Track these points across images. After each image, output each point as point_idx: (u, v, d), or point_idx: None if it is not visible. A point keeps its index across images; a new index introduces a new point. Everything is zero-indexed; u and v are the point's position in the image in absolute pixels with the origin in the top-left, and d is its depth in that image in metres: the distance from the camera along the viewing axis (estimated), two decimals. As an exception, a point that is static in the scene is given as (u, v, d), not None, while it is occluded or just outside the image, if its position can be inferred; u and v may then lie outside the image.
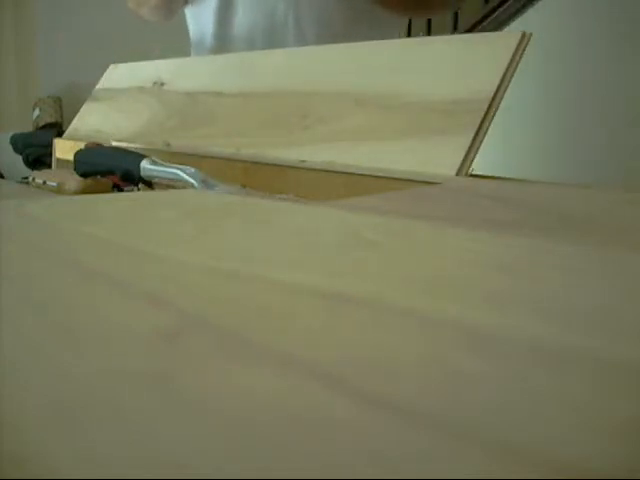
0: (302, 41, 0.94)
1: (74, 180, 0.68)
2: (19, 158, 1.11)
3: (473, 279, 0.20)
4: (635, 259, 0.24)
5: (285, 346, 0.15)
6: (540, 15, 1.49)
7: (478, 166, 0.55)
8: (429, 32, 2.05)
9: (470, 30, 1.76)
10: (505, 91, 0.56)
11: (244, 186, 0.67)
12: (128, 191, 0.66)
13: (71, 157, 0.72)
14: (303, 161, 0.65)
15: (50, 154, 1.05)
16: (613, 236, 0.32)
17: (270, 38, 0.91)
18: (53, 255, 0.24)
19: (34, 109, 3.19)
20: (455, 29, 1.90)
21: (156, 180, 0.64)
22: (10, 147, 1.16)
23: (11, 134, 1.19)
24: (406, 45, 0.69)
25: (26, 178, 0.79)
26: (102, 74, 1.16)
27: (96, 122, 1.06)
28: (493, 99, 0.56)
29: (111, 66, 1.15)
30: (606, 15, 1.28)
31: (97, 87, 1.15)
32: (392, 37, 0.88)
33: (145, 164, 0.63)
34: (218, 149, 0.77)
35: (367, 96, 0.66)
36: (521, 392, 0.12)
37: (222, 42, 0.99)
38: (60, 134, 1.10)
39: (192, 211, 0.34)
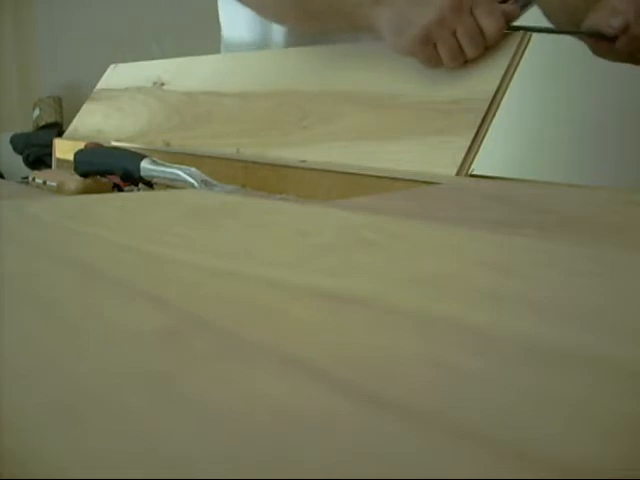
0: None
1: (74, 180, 0.68)
2: (19, 158, 1.11)
3: (472, 279, 0.20)
4: (634, 259, 0.24)
5: (285, 346, 0.15)
6: (541, 15, 1.49)
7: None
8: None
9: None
10: (505, 91, 0.56)
11: (244, 186, 0.67)
12: (128, 191, 0.66)
13: (71, 157, 0.72)
14: (303, 161, 0.65)
15: (50, 154, 1.05)
16: (612, 236, 0.32)
17: None
18: (53, 255, 0.24)
19: (34, 109, 3.19)
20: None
21: (156, 180, 0.64)
22: (10, 147, 1.16)
23: (11, 134, 1.19)
24: (406, 45, 0.69)
25: (26, 178, 0.79)
26: (102, 74, 1.16)
27: (96, 122, 1.06)
28: (493, 99, 0.56)
29: (111, 66, 1.15)
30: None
31: (97, 87, 1.15)
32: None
33: (145, 164, 0.63)
34: (218, 149, 0.77)
35: (367, 96, 0.66)
36: (521, 392, 0.12)
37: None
38: (60, 134, 1.10)
39: (192, 211, 0.34)
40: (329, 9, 0.63)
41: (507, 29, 0.56)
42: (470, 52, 0.55)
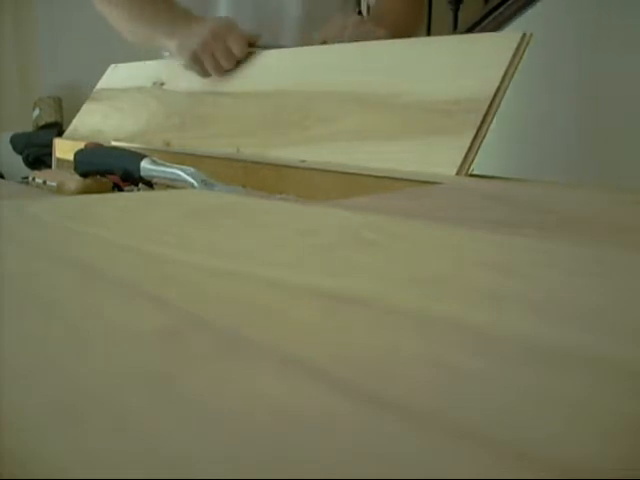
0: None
1: (74, 180, 0.68)
2: (19, 158, 1.12)
3: (472, 279, 0.20)
4: (634, 259, 0.24)
5: (285, 346, 0.15)
6: (541, 15, 1.49)
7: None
8: (429, 32, 2.05)
9: (470, 30, 1.75)
10: (505, 91, 0.56)
11: (244, 186, 0.67)
12: (128, 191, 0.66)
13: (71, 157, 0.72)
14: (303, 161, 0.65)
15: (50, 154, 1.05)
16: (612, 236, 0.32)
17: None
18: (53, 255, 0.24)
19: (34, 109, 3.19)
20: (455, 29, 1.90)
21: (156, 180, 0.64)
22: (10, 147, 1.16)
23: (11, 134, 1.20)
24: (406, 45, 0.69)
25: (26, 178, 0.79)
26: (102, 74, 1.16)
27: (96, 122, 1.06)
28: (493, 99, 0.56)
29: (111, 66, 1.15)
30: (608, 15, 1.28)
31: (97, 87, 1.14)
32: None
33: (145, 164, 0.63)
34: (218, 149, 0.77)
35: (367, 96, 0.66)
36: (521, 392, 0.12)
37: None
38: (60, 134, 1.10)
39: (192, 211, 0.34)
40: (148, 34, 0.94)
41: (252, 47, 0.85)
42: (225, 65, 0.84)
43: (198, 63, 0.85)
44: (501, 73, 0.57)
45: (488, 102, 0.56)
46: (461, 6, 1.88)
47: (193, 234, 0.28)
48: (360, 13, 1.13)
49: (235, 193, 0.57)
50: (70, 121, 1.13)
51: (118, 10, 0.97)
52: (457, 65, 0.61)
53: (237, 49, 0.83)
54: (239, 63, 0.85)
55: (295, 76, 0.77)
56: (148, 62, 1.07)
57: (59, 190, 0.68)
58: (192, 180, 0.58)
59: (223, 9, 0.99)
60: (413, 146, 0.59)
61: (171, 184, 0.62)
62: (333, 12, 0.99)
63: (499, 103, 0.56)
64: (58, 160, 1.02)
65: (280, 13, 0.98)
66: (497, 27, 1.65)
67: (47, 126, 3.05)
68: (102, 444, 0.11)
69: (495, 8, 1.67)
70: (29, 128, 3.00)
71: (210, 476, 0.10)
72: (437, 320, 0.16)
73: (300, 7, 0.99)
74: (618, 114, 1.26)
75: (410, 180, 0.54)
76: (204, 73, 0.86)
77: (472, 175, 0.54)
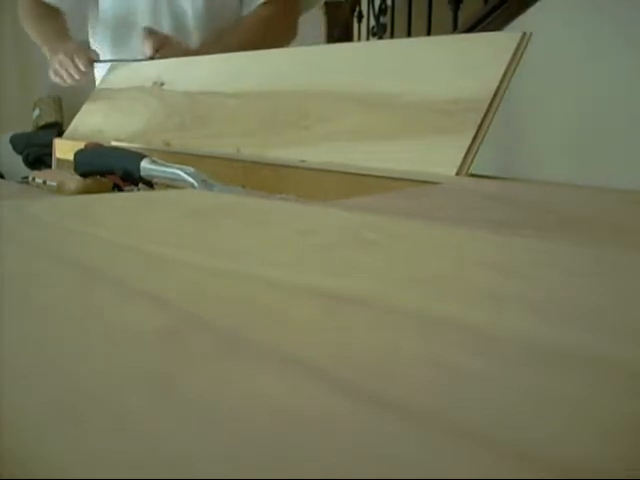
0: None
1: (74, 180, 0.68)
2: (19, 158, 1.13)
3: (473, 279, 0.20)
4: (634, 259, 0.24)
5: (285, 346, 0.15)
6: (540, 15, 1.49)
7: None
8: (429, 32, 2.05)
9: (470, 30, 1.75)
10: (505, 91, 0.56)
11: (244, 186, 0.67)
12: (128, 191, 0.66)
13: (71, 157, 0.72)
14: (303, 161, 0.65)
15: (50, 154, 1.05)
16: (612, 236, 0.32)
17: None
18: (53, 255, 0.24)
19: (34, 109, 3.18)
20: (455, 29, 1.90)
21: (156, 180, 0.64)
22: (10, 147, 1.18)
23: (11, 134, 1.21)
24: (406, 45, 0.69)
25: (26, 178, 0.79)
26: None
27: (96, 122, 1.06)
28: (493, 99, 0.56)
29: (111, 66, 1.15)
30: (607, 15, 1.28)
31: (97, 87, 1.15)
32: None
33: (145, 164, 0.63)
34: (218, 149, 0.77)
35: (367, 96, 0.66)
36: (521, 392, 0.12)
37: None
38: (60, 134, 1.10)
39: (192, 211, 0.34)
40: (40, 46, 1.34)
41: (96, 62, 1.20)
42: (76, 76, 1.20)
43: (58, 75, 1.23)
44: (501, 73, 0.57)
45: (488, 102, 0.56)
46: (461, 6, 1.88)
47: (193, 234, 0.28)
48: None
49: (235, 193, 0.57)
50: (70, 121, 1.13)
51: (26, 25, 1.42)
52: (457, 65, 0.61)
53: (82, 65, 1.19)
54: (86, 73, 1.21)
55: (295, 76, 0.77)
56: (148, 62, 1.07)
57: (59, 190, 0.68)
58: (192, 180, 0.58)
59: (144, 16, 1.27)
60: (413, 146, 0.59)
61: (171, 184, 0.62)
62: (232, 9, 1.28)
63: (499, 103, 0.56)
64: (58, 160, 1.02)
65: (191, 16, 1.27)
66: (497, 27, 1.65)
67: (47, 126, 3.05)
68: (102, 444, 0.11)
69: (495, 8, 1.67)
70: (29, 128, 3.00)
71: (210, 476, 0.10)
72: (437, 320, 0.16)
73: (202, 7, 1.27)
74: (618, 114, 1.26)
75: (410, 180, 0.54)
76: (63, 82, 1.25)
77: (472, 175, 0.54)
